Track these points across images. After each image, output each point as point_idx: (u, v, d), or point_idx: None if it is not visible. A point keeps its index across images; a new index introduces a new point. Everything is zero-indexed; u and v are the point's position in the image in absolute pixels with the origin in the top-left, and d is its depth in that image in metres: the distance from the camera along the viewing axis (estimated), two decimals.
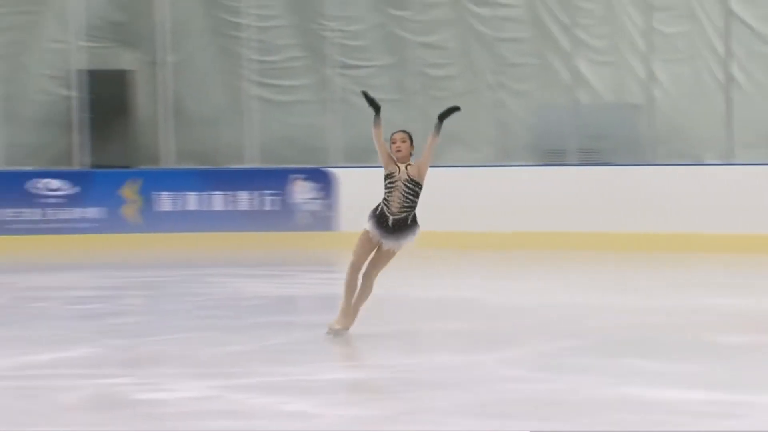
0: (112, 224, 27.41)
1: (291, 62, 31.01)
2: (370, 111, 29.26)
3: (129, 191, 27.66)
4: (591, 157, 27.16)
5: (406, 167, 13.72)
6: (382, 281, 21.82)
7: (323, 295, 21.35)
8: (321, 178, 27.61)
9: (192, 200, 27.89)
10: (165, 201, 27.69)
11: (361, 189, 26.64)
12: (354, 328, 17.31)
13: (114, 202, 27.74)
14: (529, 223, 25.79)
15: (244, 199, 27.69)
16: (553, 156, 27.74)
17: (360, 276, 14.02)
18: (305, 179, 27.71)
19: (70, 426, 10.30)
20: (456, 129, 29.36)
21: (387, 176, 13.68)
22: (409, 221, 13.64)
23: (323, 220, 27.28)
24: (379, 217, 13.58)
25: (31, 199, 27.64)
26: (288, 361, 13.59)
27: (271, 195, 27.23)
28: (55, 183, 28.00)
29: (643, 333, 15.67)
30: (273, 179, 27.63)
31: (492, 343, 14.71)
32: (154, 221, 27.55)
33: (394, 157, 13.87)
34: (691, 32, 27.46)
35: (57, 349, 15.40)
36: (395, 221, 13.51)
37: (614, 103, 28.27)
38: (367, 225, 13.78)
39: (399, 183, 13.61)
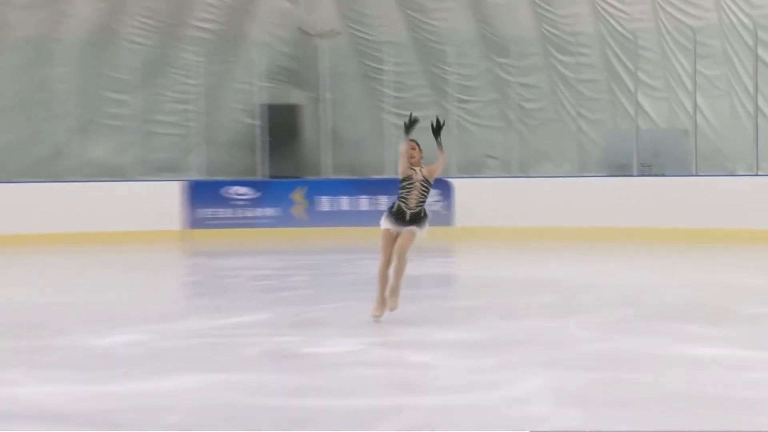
0: (284, 221, 27.47)
1: (419, 98, 30.93)
2: (478, 135, 29.21)
3: (297, 195, 27.72)
4: (648, 170, 26.89)
5: (420, 170, 13.03)
6: (492, 264, 21.76)
7: (441, 274, 21.38)
8: (441, 186, 27.47)
9: (344, 202, 27.87)
10: (324, 203, 27.70)
11: (471, 194, 26.68)
12: (465, 300, 17.23)
13: (286, 204, 27.78)
14: (601, 220, 25.63)
15: (383, 202, 27.62)
16: (619, 169, 27.48)
17: (390, 270, 13.14)
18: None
19: (252, 371, 10.60)
20: (545, 149, 29.32)
21: (405, 179, 12.97)
22: (422, 213, 12.97)
23: (443, 218, 27.13)
24: (396, 213, 12.87)
25: (225, 202, 27.78)
26: (414, 324, 13.57)
27: None
28: (242, 189, 28.11)
29: (687, 305, 15.55)
30: None
31: (572, 311, 14.62)
32: (315, 218, 27.58)
33: (408, 163, 13.09)
34: (727, 74, 27.12)
35: (242, 314, 15.42)
36: (412, 214, 12.82)
37: (667, 129, 28.03)
38: (383, 223, 13.02)
39: (416, 183, 12.92)
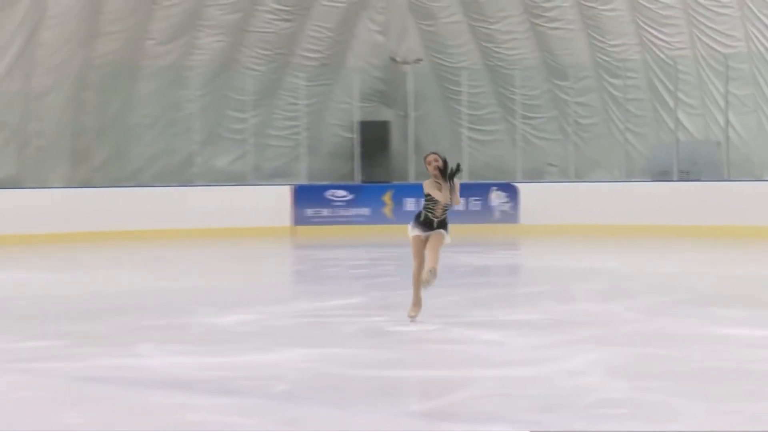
0: (375, 219, 27.46)
1: (490, 115, 30.90)
2: (540, 146, 29.05)
3: (386, 198, 27.70)
4: (686, 176, 26.66)
5: (446, 189, 11.84)
6: (551, 256, 21.59)
7: (508, 264, 21.26)
8: (509, 190, 27.37)
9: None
10: (409, 204, 27.59)
11: (534, 197, 26.55)
12: (529, 287, 17.16)
13: (377, 205, 27.77)
14: (645, 219, 25.53)
15: (461, 203, 27.54)
16: (661, 175, 27.28)
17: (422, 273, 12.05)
18: (499, 190, 27.48)
19: (348, 346, 10.62)
20: (597, 158, 29.14)
21: (429, 195, 11.86)
22: (445, 221, 11.82)
23: (510, 216, 27.07)
24: (423, 222, 11.84)
25: (326, 202, 27.81)
26: (486, 307, 13.53)
27: (477, 200, 27.02)
28: (340, 192, 28.14)
29: (719, 291, 15.42)
30: (479, 190, 27.44)
31: (619, 297, 14.57)
32: (401, 217, 27.45)
33: (432, 174, 11.99)
34: (754, 94, 26.83)
35: (340, 298, 15.43)
36: (438, 222, 11.76)
37: (702, 141, 27.74)
38: (411, 231, 12.02)
39: (440, 202, 11.80)
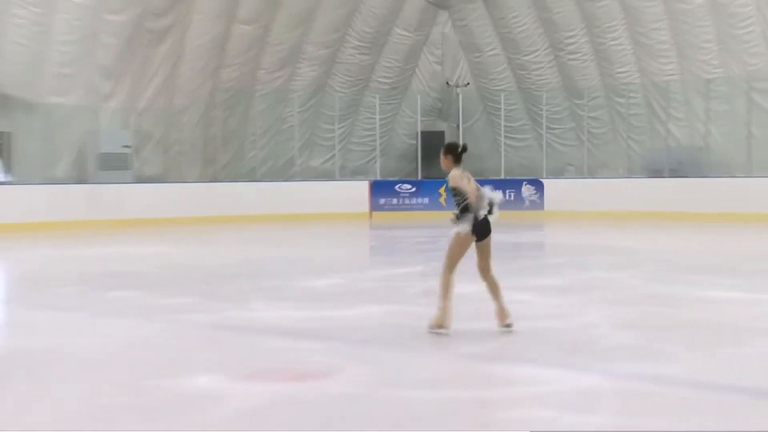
0: (433, 206, 27.38)
1: (522, 126, 30.79)
2: (561, 150, 28.72)
3: (441, 190, 27.61)
4: (675, 173, 26.38)
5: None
6: (570, 235, 21.43)
7: (536, 241, 21.12)
8: (536, 184, 27.21)
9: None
10: None
11: (556, 189, 26.36)
12: (552, 258, 17.05)
13: (434, 195, 27.69)
14: (643, 206, 25.29)
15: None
16: (655, 173, 27.01)
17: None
18: (528, 184, 27.34)
19: (413, 304, 10.54)
20: (605, 160, 28.89)
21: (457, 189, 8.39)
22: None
23: (537, 204, 26.91)
24: (483, 223, 8.31)
25: (395, 193, 27.80)
26: (517, 274, 13.45)
27: (511, 191, 26.88)
28: (406, 185, 28.10)
29: (706, 263, 15.23)
30: (513, 184, 27.31)
31: (625, 267, 14.41)
32: (453, 205, 27.44)
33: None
34: (729, 110, 26.53)
35: (405, 267, 15.46)
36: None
37: (688, 146, 27.42)
38: (465, 230, 8.30)
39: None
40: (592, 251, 17.61)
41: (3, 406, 6.25)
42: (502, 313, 8.35)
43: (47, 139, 24.61)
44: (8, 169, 24.39)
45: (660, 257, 16.17)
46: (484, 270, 8.51)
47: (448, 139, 31.24)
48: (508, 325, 8.25)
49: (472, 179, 8.45)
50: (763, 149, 25.95)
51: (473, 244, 8.45)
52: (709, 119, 26.96)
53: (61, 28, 24.24)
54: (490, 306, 10.57)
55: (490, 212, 8.36)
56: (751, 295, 11.00)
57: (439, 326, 8.21)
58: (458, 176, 8.37)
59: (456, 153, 8.48)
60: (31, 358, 7.89)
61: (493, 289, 8.47)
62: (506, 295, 11.12)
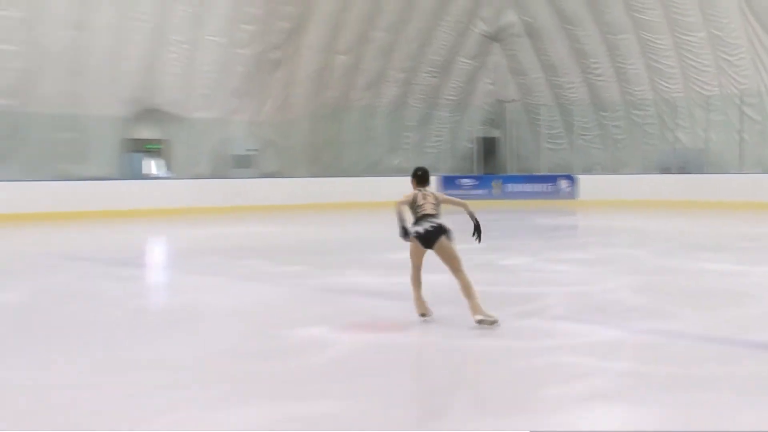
0: (488, 196, 27.21)
1: (559, 133, 30.08)
2: (591, 152, 28.26)
3: (496, 183, 27.51)
4: (682, 170, 25.89)
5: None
6: (598, 220, 21.12)
7: (568, 225, 20.79)
8: (570, 179, 26.86)
9: (520, 187, 27.55)
10: (510, 187, 27.35)
11: (587, 183, 25.95)
12: (582, 238, 16.85)
13: (490, 188, 27.55)
14: (656, 196, 24.82)
15: (540, 186, 27.23)
16: (665, 170, 26.52)
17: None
18: (564, 179, 27.01)
19: (472, 274, 10.31)
20: (626, 160, 28.39)
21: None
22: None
23: (571, 195, 26.57)
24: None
25: (459, 186, 27.47)
26: (555, 249, 13.31)
27: (551, 185, 26.62)
28: (467, 180, 27.99)
29: (709, 241, 14.88)
30: (550, 180, 27.05)
31: (641, 244, 14.12)
32: (505, 196, 27.26)
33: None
34: (725, 120, 25.91)
35: (468, 243, 15.34)
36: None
37: (692, 148, 26.85)
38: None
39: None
40: (614, 232, 17.35)
41: (167, 347, 6.42)
42: (473, 310, 6.90)
43: (193, 144, 25.19)
44: (168, 167, 25.04)
45: (670, 237, 15.84)
46: (453, 271, 7.06)
47: (500, 143, 31.08)
48: (480, 322, 6.81)
49: (429, 197, 7.20)
50: (752, 151, 25.44)
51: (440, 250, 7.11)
52: (708, 127, 26.36)
53: (204, 60, 24.92)
54: (536, 275, 10.53)
55: (434, 228, 7.02)
56: (745, 267, 10.74)
57: (421, 314, 7.19)
58: (406, 196, 7.22)
59: (414, 177, 7.43)
60: (185, 311, 8.08)
61: (464, 288, 6.97)
62: (547, 266, 11.08)
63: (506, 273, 10.52)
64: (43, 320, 7.63)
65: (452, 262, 7.06)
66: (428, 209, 7.12)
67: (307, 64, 27.41)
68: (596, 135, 29.55)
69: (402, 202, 7.10)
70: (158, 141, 25.04)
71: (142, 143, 24.61)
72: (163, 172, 24.87)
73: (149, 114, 24.40)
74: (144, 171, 24.43)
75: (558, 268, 10.77)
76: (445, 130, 30.52)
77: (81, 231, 17.62)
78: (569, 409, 4.80)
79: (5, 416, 4.75)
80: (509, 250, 13.56)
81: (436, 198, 7.21)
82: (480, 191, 27.81)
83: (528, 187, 27.41)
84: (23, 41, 21.55)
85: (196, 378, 5.54)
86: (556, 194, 26.77)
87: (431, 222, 7.02)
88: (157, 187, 23.17)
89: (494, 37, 30.65)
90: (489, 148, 30.69)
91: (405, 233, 7.06)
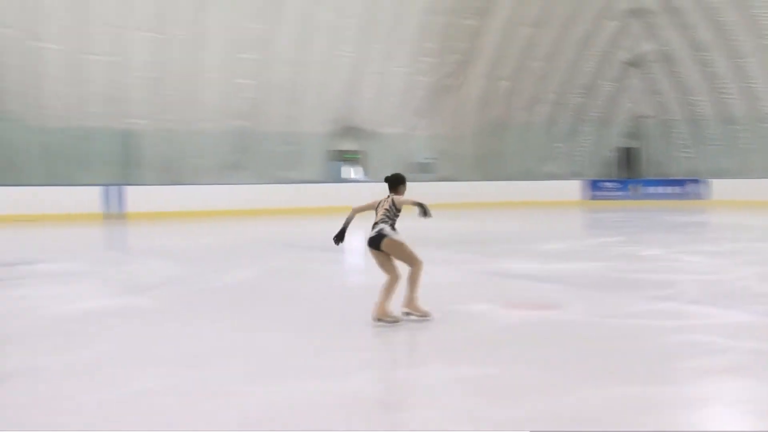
0: (628, 197, 25.85)
1: (688, 143, 28.43)
2: (718, 160, 26.27)
3: (634, 186, 26.22)
4: None
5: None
6: (725, 216, 19.62)
7: (701, 222, 19.47)
8: (702, 183, 25.12)
9: (653, 190, 26.16)
10: (645, 189, 25.95)
11: (721, 187, 24.11)
12: (712, 233, 15.73)
13: (628, 189, 26.19)
14: None
15: (673, 189, 25.66)
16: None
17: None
18: (696, 182, 25.24)
19: (609, 262, 9.94)
20: (754, 165, 26.26)
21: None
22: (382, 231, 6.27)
23: (703, 196, 24.75)
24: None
25: (601, 188, 26.50)
26: (687, 243, 12.53)
27: (683, 188, 25.00)
28: (609, 183, 26.96)
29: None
30: (684, 183, 25.46)
31: (766, 240, 12.98)
32: (643, 197, 25.91)
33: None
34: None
35: (607, 236, 14.65)
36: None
37: None
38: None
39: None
40: (742, 228, 16.12)
41: (363, 315, 6.54)
42: (405, 301, 6.19)
43: (384, 154, 25.97)
44: (365, 172, 26.20)
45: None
46: (408, 265, 6.19)
47: (639, 153, 29.65)
48: (407, 314, 6.16)
49: (386, 203, 6.32)
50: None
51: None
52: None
53: (392, 86, 25.81)
54: (671, 263, 9.96)
55: (376, 234, 6.19)
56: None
57: (378, 319, 6.10)
58: (368, 203, 6.45)
59: (387, 181, 6.44)
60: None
61: (410, 278, 6.16)
62: (682, 257, 10.49)
63: (644, 262, 10.06)
64: (270, 291, 8.08)
65: (403, 258, 6.13)
66: (378, 216, 6.24)
67: (475, 89, 27.52)
68: (724, 145, 27.56)
69: (357, 209, 6.30)
70: (356, 152, 26.01)
71: (342, 154, 25.67)
72: (361, 177, 25.89)
73: (349, 130, 25.49)
74: (343, 176, 25.63)
75: (691, 259, 10.18)
76: (589, 142, 29.48)
77: (296, 224, 18.40)
78: (704, 382, 4.61)
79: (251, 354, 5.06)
80: (647, 243, 12.94)
81: (393, 203, 6.22)
82: (620, 193, 26.73)
83: (662, 189, 26.02)
84: (255, 76, 23.34)
85: (388, 341, 5.70)
86: (688, 195, 25.21)
87: (375, 229, 6.17)
88: (355, 189, 23.92)
89: (633, 64, 29.25)
90: (629, 157, 29.40)
91: (338, 237, 6.24)
